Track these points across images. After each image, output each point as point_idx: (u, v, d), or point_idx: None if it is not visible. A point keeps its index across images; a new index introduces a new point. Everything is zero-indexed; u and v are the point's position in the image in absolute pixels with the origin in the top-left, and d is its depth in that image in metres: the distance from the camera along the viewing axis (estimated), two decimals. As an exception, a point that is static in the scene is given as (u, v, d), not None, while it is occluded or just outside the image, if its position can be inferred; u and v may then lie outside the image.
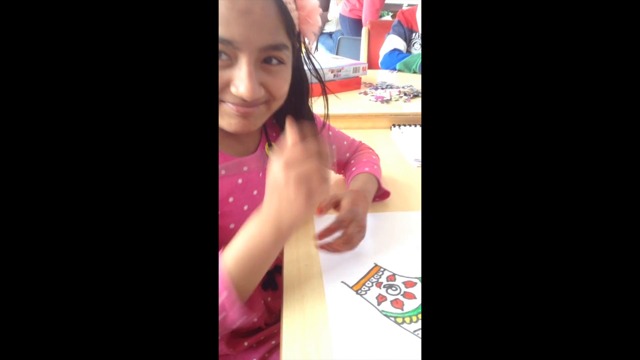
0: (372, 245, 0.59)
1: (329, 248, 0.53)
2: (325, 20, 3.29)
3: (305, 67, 0.58)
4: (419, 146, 0.92)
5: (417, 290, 0.51)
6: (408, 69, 1.63)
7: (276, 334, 0.62)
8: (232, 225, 0.54)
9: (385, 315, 0.47)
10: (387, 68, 1.72)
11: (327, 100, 0.61)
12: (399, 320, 0.46)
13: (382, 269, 0.54)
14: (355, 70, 1.34)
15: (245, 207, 0.56)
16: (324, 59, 1.39)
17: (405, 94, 1.28)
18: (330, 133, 0.71)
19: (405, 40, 1.76)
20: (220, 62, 0.44)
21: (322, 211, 0.57)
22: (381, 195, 0.70)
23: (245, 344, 0.60)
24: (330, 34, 3.33)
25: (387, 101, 1.21)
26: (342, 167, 0.77)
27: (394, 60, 1.68)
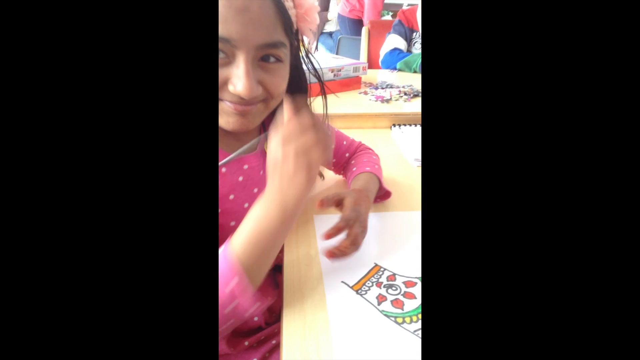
0: (373, 245, 0.59)
1: (339, 253, 0.51)
2: (325, 20, 3.29)
3: (304, 66, 0.58)
4: (419, 146, 0.92)
5: (417, 290, 0.51)
6: (408, 68, 1.63)
7: (277, 334, 0.62)
8: (232, 223, 0.54)
9: (385, 315, 0.47)
10: (387, 67, 1.72)
11: (325, 99, 0.61)
12: (399, 320, 0.46)
13: (382, 269, 0.54)
14: (356, 69, 1.34)
15: (246, 205, 0.56)
16: (324, 59, 1.39)
17: (405, 94, 1.28)
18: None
19: (405, 39, 1.76)
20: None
21: (323, 205, 0.56)
22: (382, 195, 0.70)
23: (246, 343, 0.60)
24: (330, 34, 3.33)
25: (387, 101, 1.21)
26: (342, 167, 0.76)
27: (394, 59, 1.68)
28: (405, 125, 1.09)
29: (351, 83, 1.34)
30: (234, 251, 0.41)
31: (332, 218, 0.55)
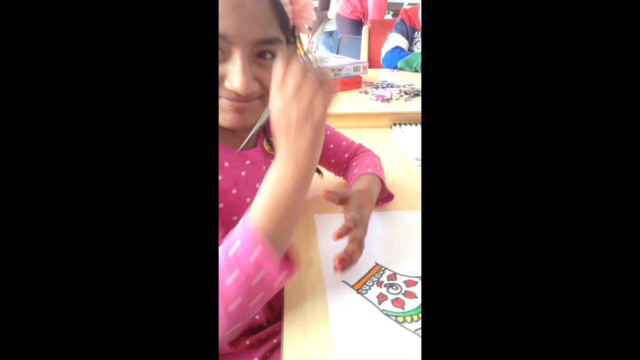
0: (373, 244, 0.59)
1: (348, 258, 0.49)
2: (326, 19, 3.28)
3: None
4: (420, 145, 0.92)
5: (417, 289, 0.51)
6: (409, 67, 1.63)
7: (277, 333, 0.62)
8: (234, 217, 0.54)
9: (386, 314, 0.47)
10: (388, 65, 1.72)
11: None
12: (400, 319, 0.46)
13: (382, 268, 0.54)
14: (356, 69, 1.34)
15: (248, 200, 0.55)
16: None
17: (405, 93, 1.28)
18: (328, 132, 0.71)
19: (407, 38, 1.76)
20: None
21: (328, 196, 0.54)
22: (385, 198, 0.69)
23: (247, 342, 0.60)
24: (330, 33, 3.33)
25: (388, 100, 1.21)
26: (341, 168, 0.76)
27: (395, 57, 1.68)
28: (405, 124, 1.09)
29: (351, 82, 1.34)
30: (253, 220, 0.40)
31: (333, 218, 0.56)
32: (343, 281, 0.52)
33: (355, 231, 0.51)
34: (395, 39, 1.74)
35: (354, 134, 0.79)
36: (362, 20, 2.94)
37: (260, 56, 0.47)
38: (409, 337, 0.44)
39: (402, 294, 0.50)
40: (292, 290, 0.50)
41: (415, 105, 1.18)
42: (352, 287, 0.51)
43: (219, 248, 0.41)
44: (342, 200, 0.56)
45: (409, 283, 0.52)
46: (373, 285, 0.51)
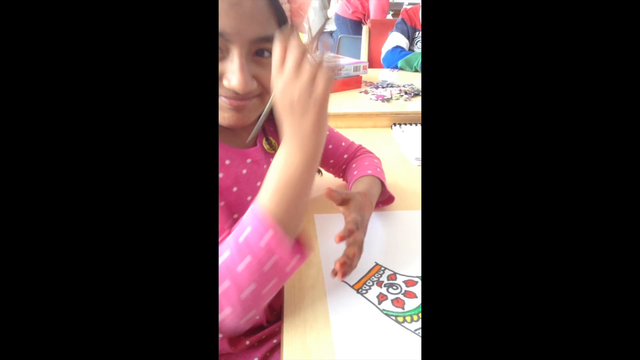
0: (373, 244, 0.59)
1: (349, 262, 0.49)
2: (326, 19, 3.27)
3: None
4: (420, 145, 0.92)
5: (417, 289, 0.51)
6: (410, 66, 1.63)
7: (277, 333, 0.62)
8: (235, 216, 0.54)
9: (386, 314, 0.47)
10: (388, 65, 1.72)
11: None
12: (400, 319, 0.46)
13: (382, 268, 0.54)
14: (356, 69, 1.34)
15: (249, 198, 0.55)
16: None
17: (406, 93, 1.28)
18: (327, 132, 0.71)
19: (408, 38, 1.76)
20: None
21: (331, 194, 0.54)
22: (385, 200, 0.68)
23: (247, 342, 0.60)
24: (330, 33, 3.32)
25: (388, 100, 1.21)
26: (340, 169, 0.75)
27: (395, 57, 1.68)
28: (405, 124, 1.09)
29: (352, 82, 1.34)
30: (263, 206, 0.40)
31: (332, 218, 0.56)
32: (343, 281, 0.52)
33: (356, 234, 0.51)
34: (396, 39, 1.74)
35: (354, 134, 0.79)
36: (363, 20, 2.94)
37: (258, 54, 0.47)
38: (409, 337, 0.44)
39: (402, 294, 0.50)
40: (292, 290, 0.50)
41: (415, 105, 1.18)
42: (352, 287, 0.51)
43: (230, 236, 0.41)
44: (343, 201, 0.55)
45: (409, 283, 0.52)
46: (373, 285, 0.51)
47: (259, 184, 0.57)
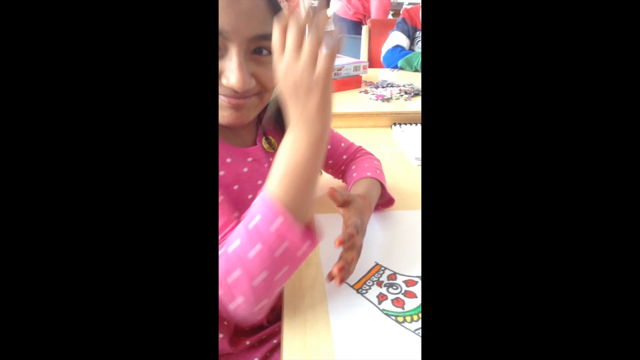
0: (373, 244, 0.59)
1: (347, 266, 0.48)
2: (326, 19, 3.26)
3: None
4: (420, 145, 0.92)
5: (417, 289, 0.51)
6: (410, 66, 1.63)
7: (277, 333, 0.62)
8: (236, 214, 0.54)
9: (386, 314, 0.47)
10: (389, 64, 1.72)
11: None
12: (400, 319, 0.46)
13: (382, 268, 0.54)
14: (356, 68, 1.34)
15: (250, 196, 0.55)
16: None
17: (406, 93, 1.28)
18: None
19: (408, 37, 1.76)
20: None
21: (333, 194, 0.53)
22: (385, 203, 0.68)
23: (247, 342, 0.60)
24: (330, 33, 3.31)
25: (388, 100, 1.21)
26: (339, 170, 0.74)
27: (396, 56, 1.68)
28: (405, 124, 1.09)
29: (351, 82, 1.34)
30: (271, 193, 0.39)
31: (333, 218, 0.55)
32: (343, 281, 0.52)
33: (356, 238, 0.50)
34: (397, 38, 1.74)
35: (354, 134, 0.79)
36: (363, 21, 2.93)
37: (256, 52, 0.47)
38: (409, 336, 0.44)
39: (402, 294, 0.50)
40: (292, 290, 0.50)
41: (415, 105, 1.18)
42: (352, 286, 0.51)
43: (240, 224, 0.41)
44: (344, 202, 0.55)
45: (409, 283, 0.52)
46: (373, 285, 0.51)
47: (260, 182, 0.57)
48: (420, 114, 1.11)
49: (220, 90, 0.47)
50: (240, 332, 0.61)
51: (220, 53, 0.45)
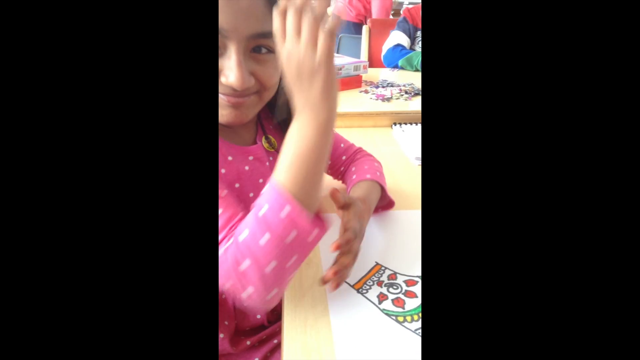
0: (373, 243, 0.59)
1: (343, 269, 0.48)
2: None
3: None
4: (420, 144, 0.92)
5: (418, 288, 0.51)
6: (410, 65, 1.63)
7: (278, 333, 0.62)
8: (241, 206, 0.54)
9: (386, 313, 0.47)
10: (389, 63, 1.72)
11: None
12: (400, 318, 0.46)
13: (383, 268, 0.54)
14: (356, 68, 1.34)
15: (251, 195, 0.55)
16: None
17: (406, 92, 1.28)
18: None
19: (409, 37, 1.76)
20: None
21: (335, 195, 0.52)
22: (385, 205, 0.67)
23: (248, 342, 0.60)
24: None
25: (388, 99, 1.21)
26: (338, 171, 0.73)
27: (396, 55, 1.68)
28: (406, 123, 1.09)
29: (352, 82, 1.34)
30: (278, 182, 0.39)
31: (333, 217, 0.55)
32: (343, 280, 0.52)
33: (353, 243, 0.50)
34: (397, 37, 1.74)
35: (354, 134, 0.79)
36: (364, 22, 2.93)
37: (255, 51, 0.47)
38: (409, 336, 0.44)
39: (403, 294, 0.50)
40: (292, 289, 0.50)
41: (415, 105, 1.18)
42: (353, 286, 0.51)
43: (249, 213, 0.41)
44: (345, 205, 0.53)
45: (409, 282, 0.52)
46: (373, 284, 0.51)
47: (261, 180, 0.57)
48: (420, 114, 1.11)
49: (220, 88, 0.47)
50: (241, 332, 0.61)
51: (219, 51, 0.45)
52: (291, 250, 0.39)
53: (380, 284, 0.51)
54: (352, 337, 0.44)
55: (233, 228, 0.42)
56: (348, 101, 1.20)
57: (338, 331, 0.44)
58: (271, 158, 0.59)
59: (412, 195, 0.73)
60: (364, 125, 1.10)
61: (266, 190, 0.41)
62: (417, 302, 0.49)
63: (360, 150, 0.74)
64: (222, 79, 0.45)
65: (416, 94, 1.28)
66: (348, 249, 0.49)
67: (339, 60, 1.35)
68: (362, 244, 0.55)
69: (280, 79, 0.51)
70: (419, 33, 1.77)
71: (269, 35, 0.46)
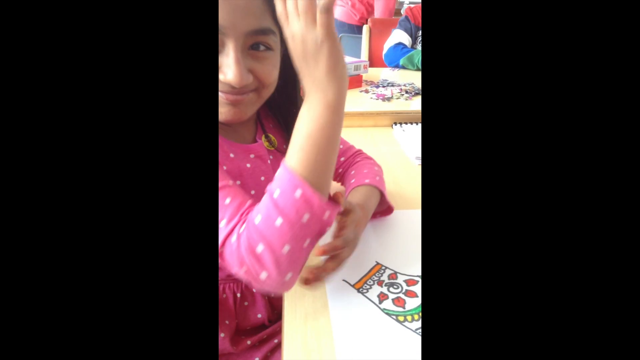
0: (374, 243, 0.59)
1: (322, 274, 0.47)
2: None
3: None
4: (420, 144, 0.92)
5: (418, 288, 0.51)
6: (411, 64, 1.63)
7: (278, 333, 0.62)
8: (252, 192, 0.54)
9: (386, 313, 0.47)
10: (390, 61, 1.72)
11: None
12: (401, 318, 0.46)
13: (383, 267, 0.54)
14: (357, 68, 1.34)
15: (253, 192, 0.55)
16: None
17: (406, 92, 1.28)
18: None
19: (411, 36, 1.76)
20: None
21: (337, 198, 0.51)
22: (384, 211, 0.65)
23: (248, 342, 0.60)
24: None
25: (389, 99, 1.21)
26: (337, 173, 0.70)
27: (397, 54, 1.68)
28: (406, 123, 1.09)
29: (352, 81, 1.34)
30: (289, 166, 0.39)
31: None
32: (343, 280, 0.52)
33: (342, 252, 0.48)
34: (399, 35, 1.74)
35: (355, 133, 0.79)
36: (366, 23, 2.92)
37: (253, 48, 0.47)
38: (409, 336, 0.44)
39: (403, 293, 0.50)
40: (292, 289, 0.50)
41: (416, 104, 1.18)
42: (353, 286, 0.51)
43: (263, 198, 0.40)
44: (345, 211, 0.52)
45: (409, 282, 0.52)
46: (374, 284, 0.51)
47: (263, 178, 0.57)
48: (420, 114, 1.11)
49: (218, 86, 0.47)
50: (241, 331, 0.61)
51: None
52: (305, 233, 0.39)
53: (380, 283, 0.51)
54: (353, 337, 0.44)
55: (245, 214, 0.42)
56: (348, 101, 1.18)
57: (338, 331, 0.44)
58: (271, 157, 0.59)
59: (413, 195, 0.73)
60: (364, 125, 1.10)
61: (278, 174, 0.41)
62: (417, 301, 0.49)
63: (360, 152, 0.72)
64: (220, 77, 0.45)
65: (417, 94, 1.27)
66: (335, 256, 0.48)
67: None
68: (362, 244, 0.55)
69: (279, 77, 0.51)
70: (420, 32, 1.77)
71: (267, 32, 0.46)
